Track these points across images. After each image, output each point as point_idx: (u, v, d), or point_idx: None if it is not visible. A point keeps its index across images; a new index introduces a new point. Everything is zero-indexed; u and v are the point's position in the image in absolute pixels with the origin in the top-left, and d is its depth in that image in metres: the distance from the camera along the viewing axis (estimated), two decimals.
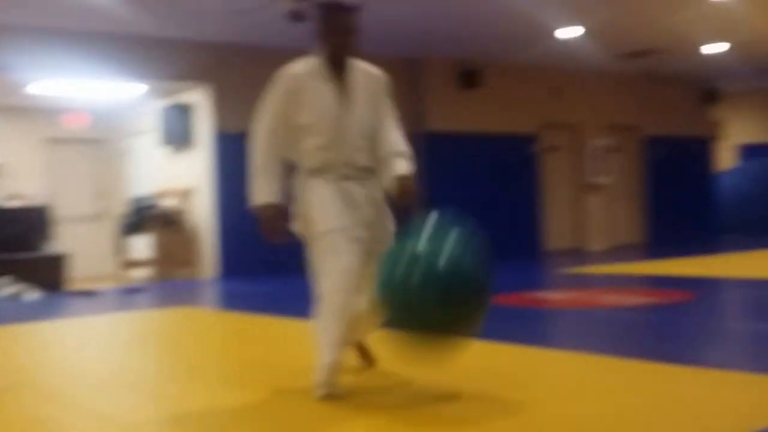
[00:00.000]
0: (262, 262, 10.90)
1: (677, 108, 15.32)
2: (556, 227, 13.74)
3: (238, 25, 9.97)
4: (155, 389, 4.19)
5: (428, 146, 12.33)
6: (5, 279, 9.25)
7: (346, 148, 3.69)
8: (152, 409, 3.72)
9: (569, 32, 11.02)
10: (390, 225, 3.79)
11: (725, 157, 17.64)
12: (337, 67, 3.73)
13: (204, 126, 11.08)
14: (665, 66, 13.94)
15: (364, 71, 3.81)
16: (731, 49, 12.60)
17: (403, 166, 3.70)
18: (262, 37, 10.52)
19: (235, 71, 10.96)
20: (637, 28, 11.26)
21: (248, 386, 4.02)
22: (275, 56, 4.45)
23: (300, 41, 11.31)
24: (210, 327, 6.85)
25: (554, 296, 7.91)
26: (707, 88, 15.57)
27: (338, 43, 3.69)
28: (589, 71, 13.77)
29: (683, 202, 15.22)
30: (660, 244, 14.26)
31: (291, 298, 8.30)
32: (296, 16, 8.88)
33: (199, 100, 11.11)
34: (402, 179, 3.65)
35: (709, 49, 12.58)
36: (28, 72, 9.90)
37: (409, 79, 12.44)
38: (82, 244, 12.04)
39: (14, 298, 8.97)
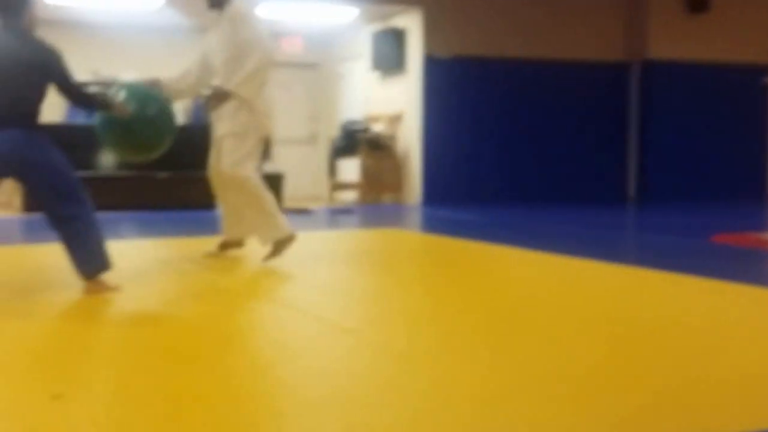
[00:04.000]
0: (464, 189, 10.96)
1: None
2: None
3: None
4: (369, 298, 4.30)
5: (648, 75, 11.74)
6: None
7: None
8: (366, 313, 3.84)
9: None
10: None
11: None
12: None
13: (414, 51, 11.09)
14: None
15: None
16: None
17: None
18: None
19: None
20: None
21: (447, 297, 4.11)
22: None
23: None
24: (416, 248, 6.94)
25: None
26: None
27: None
28: None
29: None
30: None
31: (493, 226, 8.28)
32: None
33: (411, 24, 11.11)
34: None
35: None
36: None
37: (630, 2, 11.82)
38: (295, 165, 12.51)
39: None
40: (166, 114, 4.72)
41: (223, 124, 4.86)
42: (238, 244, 5.40)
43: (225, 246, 5.37)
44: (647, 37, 11.71)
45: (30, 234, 7.84)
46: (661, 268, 5.04)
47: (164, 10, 10.81)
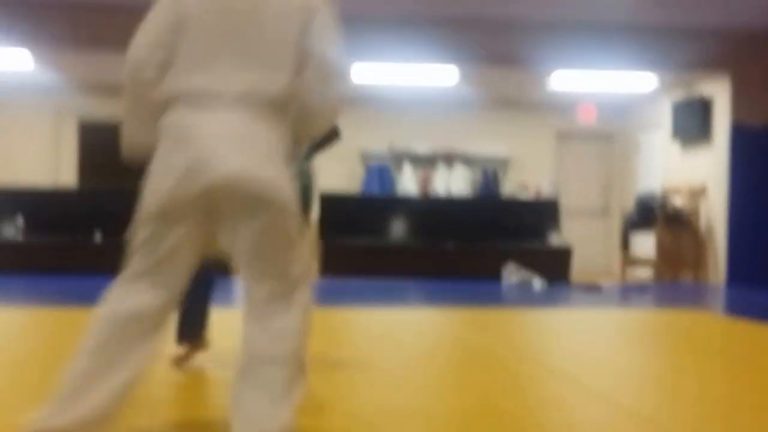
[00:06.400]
0: None
1: None
2: None
3: (762, 8, 9.08)
4: (666, 384, 3.84)
5: None
6: (512, 266, 9.59)
7: None
8: (664, 401, 3.40)
9: None
10: None
11: None
12: None
13: (721, 119, 10.34)
14: None
15: None
16: None
17: None
18: None
19: (755, 60, 10.06)
20: None
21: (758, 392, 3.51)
22: None
23: None
24: (721, 332, 6.26)
25: None
26: None
27: None
28: None
29: None
30: None
31: None
32: None
33: (716, 91, 10.39)
34: None
35: None
36: (547, 65, 10.15)
37: None
38: (586, 237, 12.10)
39: (524, 285, 9.24)
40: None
41: None
42: None
43: None
44: None
45: (330, 297, 8.14)
46: None
47: (460, 85, 11.02)
